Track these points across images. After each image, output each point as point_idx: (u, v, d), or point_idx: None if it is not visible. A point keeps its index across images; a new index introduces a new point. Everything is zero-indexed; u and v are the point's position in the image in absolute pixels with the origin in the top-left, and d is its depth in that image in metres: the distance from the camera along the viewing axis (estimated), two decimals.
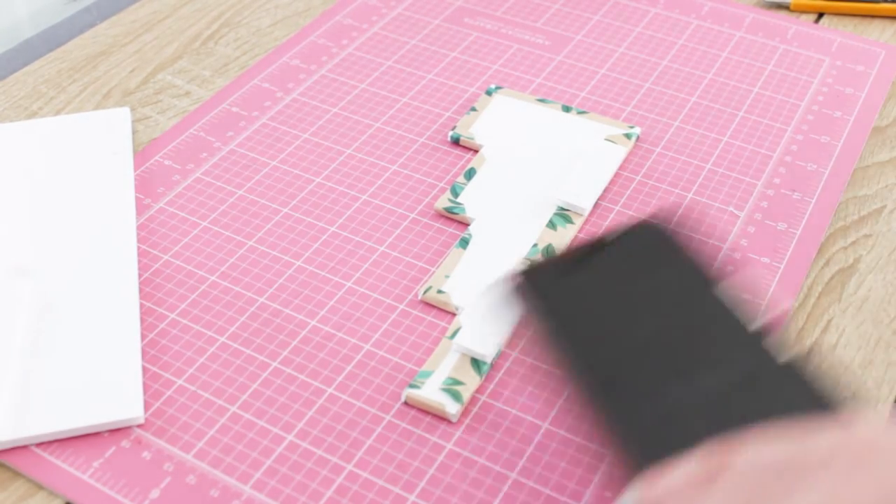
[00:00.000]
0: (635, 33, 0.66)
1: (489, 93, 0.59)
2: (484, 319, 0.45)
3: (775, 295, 0.48)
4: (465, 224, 0.51)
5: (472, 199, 0.52)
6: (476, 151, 0.56)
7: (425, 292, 0.47)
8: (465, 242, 0.49)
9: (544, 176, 0.53)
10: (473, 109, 0.58)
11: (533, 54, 0.63)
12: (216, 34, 0.66)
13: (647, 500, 0.31)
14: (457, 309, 0.46)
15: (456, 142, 0.56)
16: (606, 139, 0.56)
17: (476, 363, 0.44)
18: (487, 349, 0.44)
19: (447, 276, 0.48)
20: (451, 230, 0.51)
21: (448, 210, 0.51)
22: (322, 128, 0.57)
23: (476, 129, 0.56)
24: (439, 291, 0.47)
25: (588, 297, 0.37)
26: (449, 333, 0.45)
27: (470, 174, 0.53)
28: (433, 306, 0.47)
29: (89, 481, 0.40)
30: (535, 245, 0.49)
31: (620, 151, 0.54)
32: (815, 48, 0.64)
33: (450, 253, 0.49)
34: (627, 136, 0.56)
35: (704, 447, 0.32)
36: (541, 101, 0.58)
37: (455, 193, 0.52)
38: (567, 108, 0.58)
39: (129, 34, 0.66)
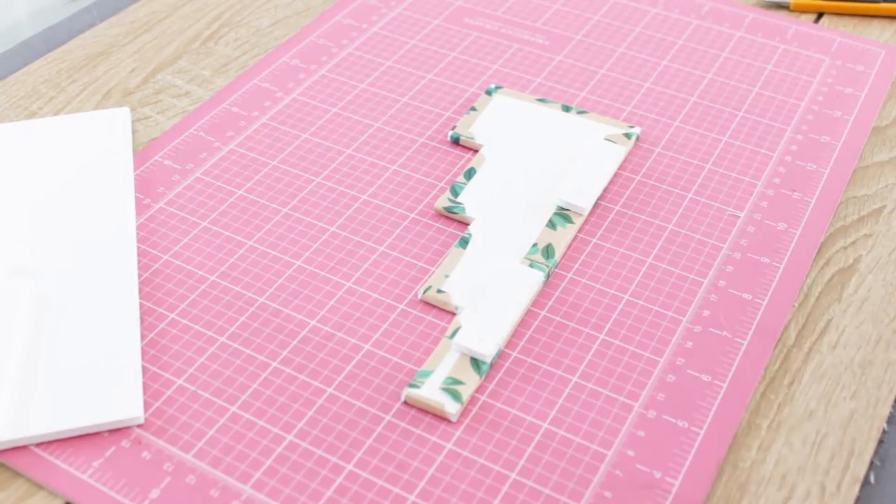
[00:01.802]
0: (635, 33, 0.66)
1: (489, 93, 0.59)
2: (484, 319, 0.45)
3: (775, 295, 0.48)
4: (464, 224, 0.51)
5: (472, 199, 0.52)
6: (476, 151, 0.56)
7: (425, 292, 0.47)
8: (464, 242, 0.49)
9: (544, 176, 0.53)
10: (473, 109, 0.58)
11: (533, 54, 0.63)
12: (216, 34, 0.66)
13: None
14: (456, 308, 0.46)
15: (456, 141, 0.56)
16: (606, 139, 0.56)
17: (476, 363, 0.44)
18: (487, 349, 0.44)
19: (447, 276, 0.48)
20: (451, 230, 0.51)
21: (448, 210, 0.51)
22: (322, 128, 0.57)
23: (476, 128, 0.56)
24: (439, 291, 0.47)
25: None
26: (449, 333, 0.45)
27: (470, 174, 0.53)
28: (433, 306, 0.47)
29: (89, 481, 0.40)
30: (534, 245, 0.49)
31: (620, 151, 0.54)
32: (815, 48, 0.64)
33: (449, 252, 0.49)
34: (627, 135, 0.56)
35: None
36: (541, 100, 0.58)
37: (455, 193, 0.52)
38: (567, 108, 0.58)
39: (129, 34, 0.66)
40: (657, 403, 0.43)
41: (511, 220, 0.51)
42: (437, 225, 0.51)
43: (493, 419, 0.42)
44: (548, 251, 0.49)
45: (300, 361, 0.44)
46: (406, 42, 0.64)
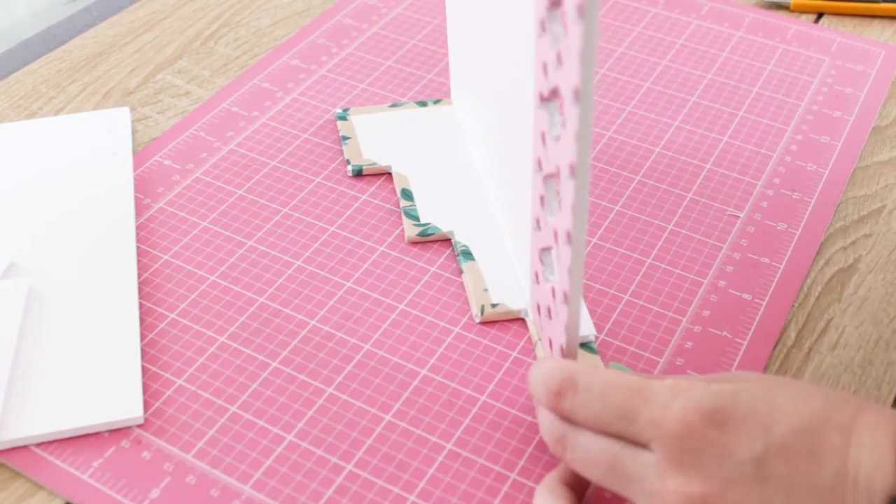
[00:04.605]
0: (635, 33, 0.66)
1: (342, 118, 0.57)
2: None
3: (775, 295, 0.48)
4: (447, 239, 0.50)
5: (433, 215, 0.51)
6: (388, 174, 0.54)
7: (482, 313, 0.46)
8: (467, 255, 0.49)
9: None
10: (346, 139, 0.55)
11: None
12: (216, 34, 0.66)
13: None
14: (521, 313, 0.46)
15: (359, 174, 0.54)
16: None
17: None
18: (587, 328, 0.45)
19: (485, 290, 0.47)
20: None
21: (421, 234, 0.50)
22: (322, 128, 0.57)
23: (368, 154, 0.54)
24: (493, 305, 0.46)
25: None
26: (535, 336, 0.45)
27: (407, 195, 0.52)
28: (432, 305, 0.47)
29: (89, 481, 0.40)
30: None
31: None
32: (815, 48, 0.64)
33: (464, 271, 0.48)
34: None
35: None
36: (393, 106, 0.58)
37: (414, 218, 0.51)
38: (422, 104, 0.58)
39: (129, 34, 0.66)
40: None
41: (490, 214, 0.51)
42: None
43: (493, 419, 0.42)
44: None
45: (300, 361, 0.44)
46: (406, 42, 0.64)
